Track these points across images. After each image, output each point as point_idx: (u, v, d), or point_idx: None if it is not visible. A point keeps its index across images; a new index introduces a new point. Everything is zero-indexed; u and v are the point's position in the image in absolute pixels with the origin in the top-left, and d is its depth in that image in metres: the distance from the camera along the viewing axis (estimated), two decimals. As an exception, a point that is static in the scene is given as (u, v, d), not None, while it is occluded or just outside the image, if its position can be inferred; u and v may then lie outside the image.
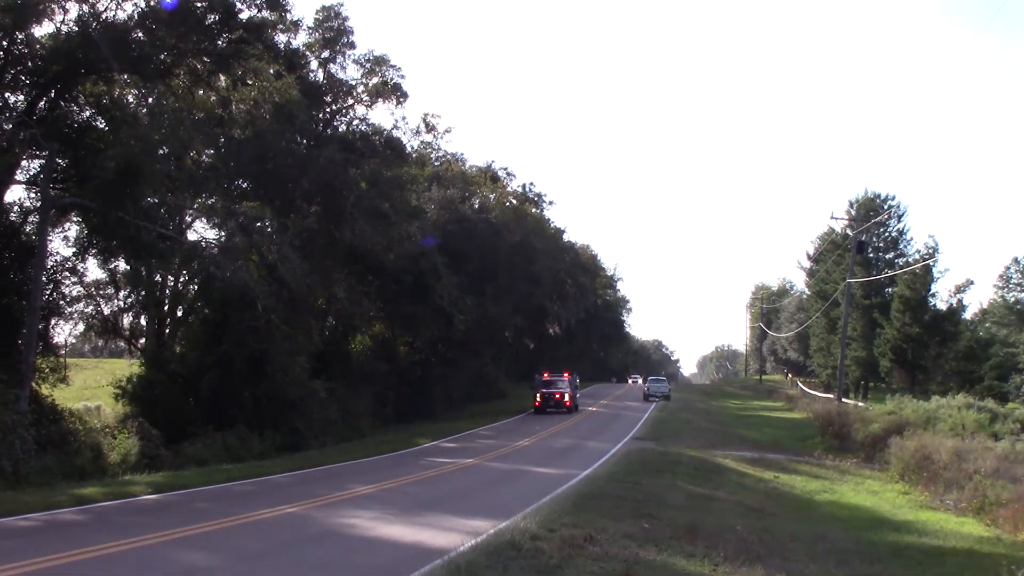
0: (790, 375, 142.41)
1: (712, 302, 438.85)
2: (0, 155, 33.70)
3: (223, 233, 46.76)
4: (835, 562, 19.54)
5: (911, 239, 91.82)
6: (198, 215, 50.17)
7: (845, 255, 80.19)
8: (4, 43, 35.91)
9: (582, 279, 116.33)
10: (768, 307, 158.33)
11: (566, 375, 77.63)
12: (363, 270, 60.14)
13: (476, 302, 73.62)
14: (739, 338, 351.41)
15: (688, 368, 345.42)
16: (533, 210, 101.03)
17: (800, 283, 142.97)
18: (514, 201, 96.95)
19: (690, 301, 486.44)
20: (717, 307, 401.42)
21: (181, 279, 52.46)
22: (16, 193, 51.56)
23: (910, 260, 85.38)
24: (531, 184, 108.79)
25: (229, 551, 18.24)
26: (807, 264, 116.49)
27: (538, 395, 74.26)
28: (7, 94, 36.79)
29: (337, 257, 55.91)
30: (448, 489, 30.95)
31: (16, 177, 37.48)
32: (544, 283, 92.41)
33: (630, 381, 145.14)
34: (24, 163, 37.78)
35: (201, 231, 52.88)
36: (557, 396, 73.58)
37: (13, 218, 38.24)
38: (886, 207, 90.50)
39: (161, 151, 40.03)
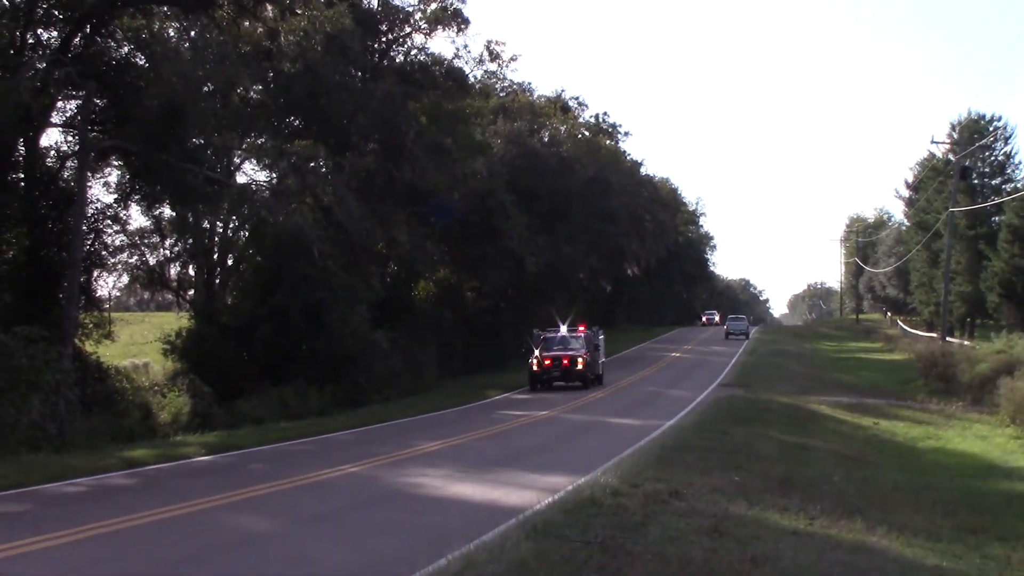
0: (889, 313, 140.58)
1: (803, 237, 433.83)
2: (35, 96, 33.60)
3: (274, 175, 46.93)
4: (941, 513, 19.06)
5: (1020, 163, 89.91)
6: (247, 156, 50.29)
7: (947, 182, 78.57)
8: (34, -25, 35.83)
9: (662, 215, 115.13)
10: (864, 241, 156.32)
11: (581, 329, 56.90)
12: (426, 211, 59.79)
13: (548, 242, 72.71)
14: (833, 275, 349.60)
15: (778, 308, 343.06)
16: (607, 142, 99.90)
17: (898, 214, 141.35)
18: (587, 133, 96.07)
19: (779, 237, 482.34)
20: (808, 242, 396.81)
21: (231, 225, 52.46)
22: (53, 137, 51.75)
23: (1019, 186, 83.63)
24: (604, 114, 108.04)
25: (288, 515, 18.22)
26: (905, 193, 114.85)
27: (536, 359, 54.15)
28: (40, 30, 36.76)
29: (397, 198, 55.79)
30: (522, 444, 31.04)
31: (52, 120, 37.52)
32: (620, 220, 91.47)
33: (704, 319, 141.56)
34: (60, 104, 37.86)
35: (251, 173, 53.00)
36: (566, 361, 53.55)
37: (50, 163, 38.31)
38: (991, 129, 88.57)
39: (206, 88, 40.04)
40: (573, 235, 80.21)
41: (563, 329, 56.17)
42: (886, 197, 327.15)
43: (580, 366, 53.02)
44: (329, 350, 46.30)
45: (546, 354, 53.66)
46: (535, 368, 53.47)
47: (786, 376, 58.65)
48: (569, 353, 53.68)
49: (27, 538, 15.43)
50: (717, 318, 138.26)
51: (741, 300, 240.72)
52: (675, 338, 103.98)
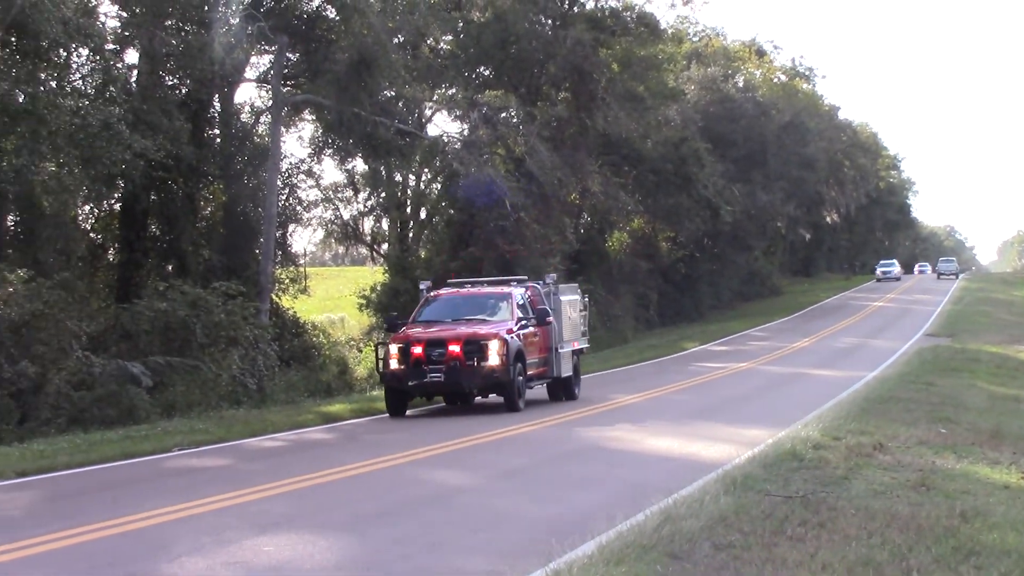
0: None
1: (1013, 180, 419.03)
2: (228, 52, 33.91)
3: (465, 126, 47.04)
4: None
5: None
6: (438, 108, 50.31)
7: None
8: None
9: (861, 160, 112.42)
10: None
11: (507, 292, 28.65)
12: (618, 160, 59.25)
13: (744, 191, 71.32)
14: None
15: (986, 256, 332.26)
16: (804, 86, 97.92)
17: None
18: (782, 77, 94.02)
19: (987, 181, 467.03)
20: (1019, 185, 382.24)
21: (423, 178, 52.66)
22: (246, 92, 52.49)
23: None
24: (800, 57, 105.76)
25: (484, 469, 18.23)
26: None
27: (393, 349, 26.19)
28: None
29: (589, 147, 55.17)
30: (720, 396, 30.49)
31: (246, 75, 37.92)
32: (819, 167, 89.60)
33: (917, 271, 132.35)
34: (253, 59, 38.22)
35: (442, 125, 53.03)
36: (454, 349, 25.67)
37: (245, 119, 38.81)
38: None
39: (396, 40, 39.97)
40: (770, 182, 78.56)
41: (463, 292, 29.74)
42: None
43: (489, 361, 25.70)
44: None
45: (415, 335, 26.41)
46: (390, 366, 25.99)
47: (995, 325, 56.45)
48: (463, 332, 26.19)
49: (228, 492, 15.61)
50: (897, 269, 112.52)
51: (946, 247, 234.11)
52: (877, 288, 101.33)
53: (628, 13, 57.61)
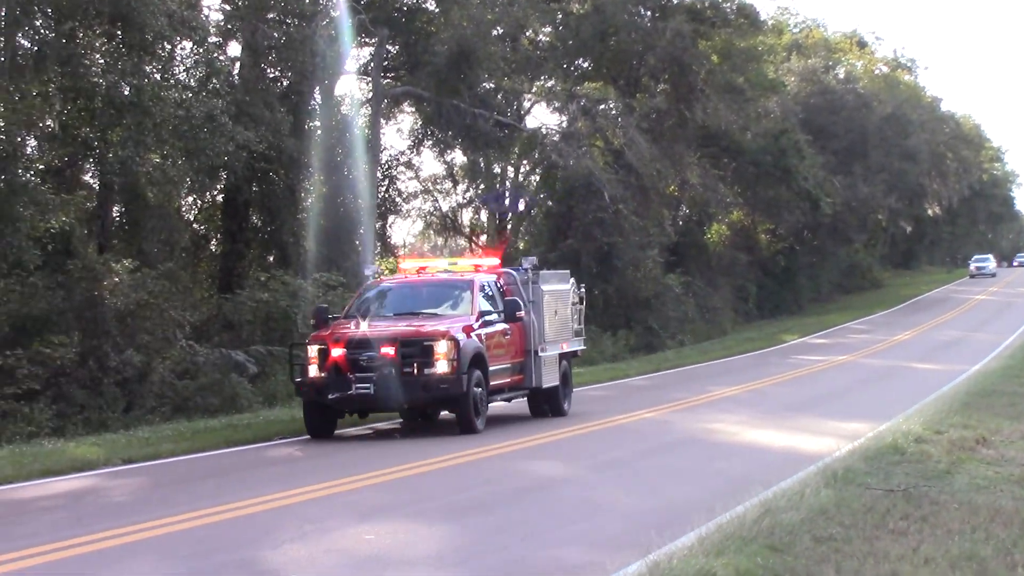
0: None
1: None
2: (329, 44, 34.07)
3: (564, 118, 46.80)
4: None
5: None
6: (537, 100, 50.11)
7: None
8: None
9: (964, 152, 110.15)
10: None
11: (468, 279, 22.56)
12: (717, 152, 58.80)
13: (844, 183, 70.21)
14: None
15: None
16: (906, 77, 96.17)
17: None
18: (884, 68, 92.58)
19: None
20: None
21: (521, 170, 52.47)
22: (347, 84, 52.05)
23: None
24: (902, 48, 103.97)
25: (582, 460, 18.14)
26: None
27: (315, 348, 20.24)
28: (333, -22, 37.24)
29: (688, 139, 54.73)
30: (820, 389, 30.19)
31: (346, 68, 37.96)
32: (920, 159, 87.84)
33: (1015, 263, 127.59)
34: (353, 52, 38.32)
35: (541, 117, 52.72)
36: (386, 351, 19.73)
37: (345, 111, 38.85)
38: None
39: (495, 32, 39.90)
40: (871, 174, 77.26)
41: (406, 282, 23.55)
42: None
43: (436, 368, 20.05)
44: (621, 295, 45.91)
45: (340, 333, 20.63)
46: (308, 374, 20.30)
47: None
48: (399, 331, 20.57)
49: (328, 481, 15.70)
50: (992, 265, 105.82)
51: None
52: (978, 280, 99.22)
53: (728, 4, 56.84)
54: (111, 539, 11.89)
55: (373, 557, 11.01)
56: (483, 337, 21.18)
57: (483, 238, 52.26)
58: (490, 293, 22.36)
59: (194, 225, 37.53)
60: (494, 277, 23.11)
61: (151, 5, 24.97)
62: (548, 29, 50.29)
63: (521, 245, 50.63)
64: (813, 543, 9.73)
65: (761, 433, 20.51)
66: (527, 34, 47.24)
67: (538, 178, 51.15)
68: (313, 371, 20.02)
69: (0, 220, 22.59)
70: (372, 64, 37.64)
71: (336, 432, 21.27)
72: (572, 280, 26.54)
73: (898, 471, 13.69)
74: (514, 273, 23.44)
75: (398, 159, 42.21)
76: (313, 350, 20.16)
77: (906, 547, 9.61)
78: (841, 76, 79.74)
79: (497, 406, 22.88)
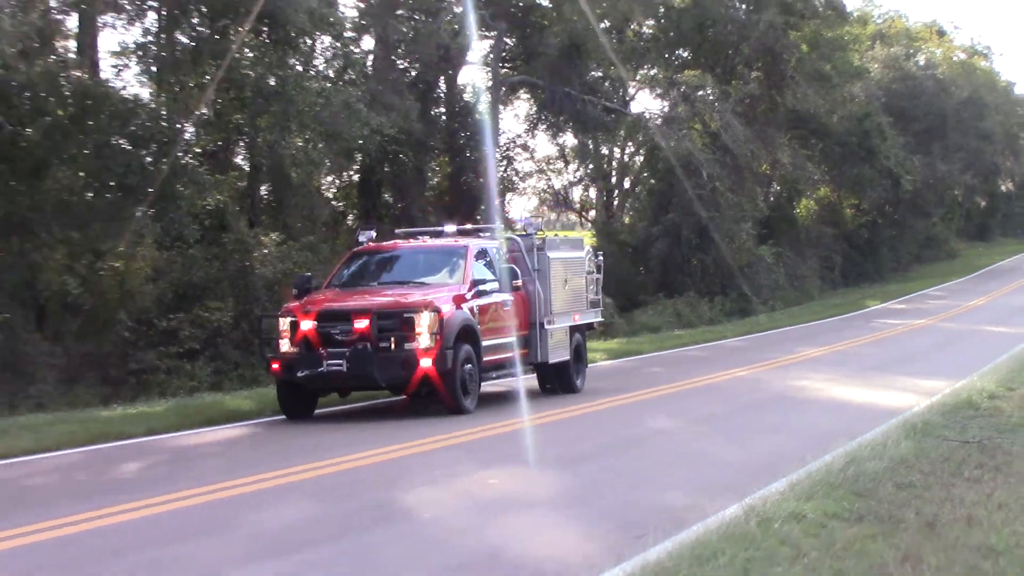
0: None
1: None
2: (453, 38, 34.13)
3: (665, 103, 46.76)
4: None
5: None
6: (641, 87, 49.72)
7: None
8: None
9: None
10: None
11: (462, 246, 19.03)
12: (806, 134, 57.66)
13: (923, 162, 68.47)
14: None
15: None
16: (982, 64, 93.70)
17: None
18: (962, 55, 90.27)
19: None
20: None
21: (627, 151, 52.10)
22: (469, 74, 51.73)
23: None
24: (978, 37, 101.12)
25: (684, 413, 18.11)
26: None
27: (286, 322, 16.75)
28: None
29: (779, 122, 53.78)
30: (899, 350, 29.64)
31: (468, 59, 37.95)
32: (995, 139, 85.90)
33: None
34: (474, 44, 38.27)
35: (644, 103, 52.30)
36: (361, 325, 16.22)
37: (467, 99, 38.85)
38: None
39: (603, 25, 39.58)
40: (948, 153, 75.45)
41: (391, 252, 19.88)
42: None
43: (417, 342, 16.36)
44: (718, 265, 45.35)
45: (314, 304, 17.10)
46: (280, 348, 16.82)
47: None
48: (375, 302, 17.17)
49: (456, 431, 15.67)
50: None
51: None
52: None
53: (817, -2, 56.03)
54: (264, 482, 12.01)
55: (496, 499, 11.10)
56: (476, 309, 17.57)
57: (591, 213, 51.93)
58: (488, 260, 18.73)
59: (333, 202, 37.70)
60: (496, 244, 19.47)
61: (294, 4, 25.08)
62: (651, 22, 49.81)
63: (626, 220, 50.35)
64: (894, 489, 9.66)
65: (846, 390, 20.23)
66: (632, 27, 46.82)
67: (642, 158, 50.69)
68: (285, 346, 16.53)
69: (164, 199, 22.77)
70: (491, 55, 37.56)
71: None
72: (588, 248, 23.27)
73: (973, 424, 13.51)
74: (519, 240, 19.84)
75: (515, 141, 42.22)
76: (285, 323, 16.57)
77: (980, 494, 9.48)
78: (921, 63, 77.94)
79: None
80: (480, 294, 17.79)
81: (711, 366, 25.76)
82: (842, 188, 65.03)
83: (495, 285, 18.28)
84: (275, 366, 16.56)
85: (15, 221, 21.64)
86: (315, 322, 16.30)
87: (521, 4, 38.85)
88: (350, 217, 37.67)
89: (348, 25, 32.30)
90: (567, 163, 49.46)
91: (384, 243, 19.93)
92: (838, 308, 47.69)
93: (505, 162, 41.14)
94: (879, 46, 73.19)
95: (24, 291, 21.83)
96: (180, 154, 23.50)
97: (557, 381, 20.19)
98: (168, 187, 22.70)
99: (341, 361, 16.01)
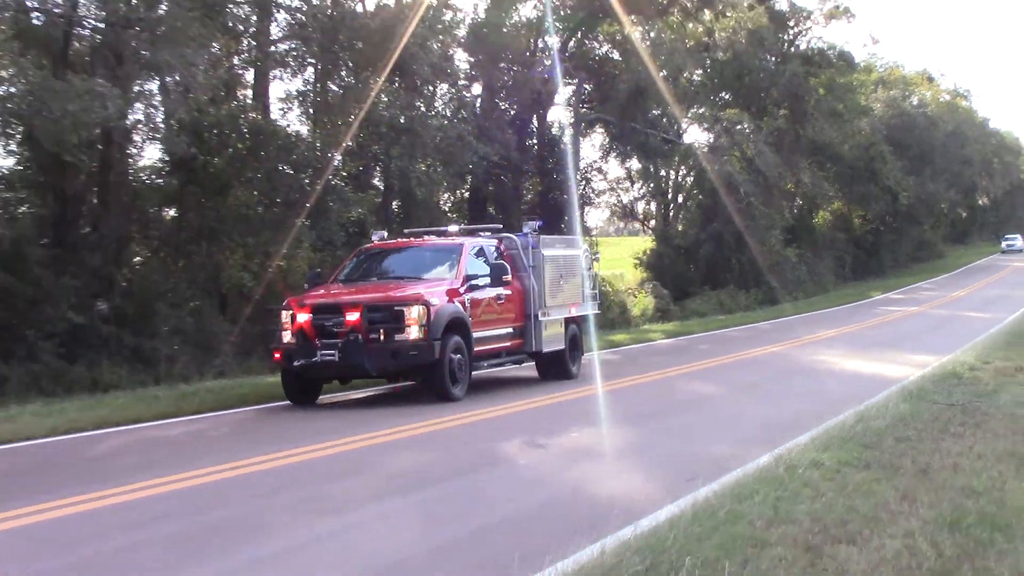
0: None
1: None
2: (543, 84, 33.88)
3: (711, 135, 46.30)
4: None
5: None
6: (691, 122, 49.05)
7: None
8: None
9: (1007, 158, 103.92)
10: None
11: (458, 243, 16.49)
12: (823, 159, 56.68)
13: (916, 181, 66.90)
14: None
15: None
16: (963, 103, 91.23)
17: None
18: (947, 97, 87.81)
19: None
20: None
21: (680, 173, 51.52)
22: (556, 113, 51.30)
23: None
24: (960, 82, 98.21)
25: (726, 382, 17.69)
26: None
27: (287, 314, 14.56)
28: (547, 38, 36.86)
29: (801, 150, 52.88)
30: (898, 331, 28.93)
31: (555, 100, 37.73)
32: (973, 163, 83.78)
33: (1004, 244, 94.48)
34: (560, 89, 37.98)
35: (694, 135, 51.65)
36: (352, 317, 14.00)
37: (554, 132, 38.59)
38: None
39: (662, 74, 39.09)
40: (936, 175, 73.41)
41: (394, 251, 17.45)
42: None
43: (406, 333, 14.05)
44: (752, 263, 44.53)
45: (311, 298, 14.92)
46: (283, 339, 14.54)
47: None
48: (366, 296, 14.55)
49: (540, 396, 15.39)
50: (1020, 242, 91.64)
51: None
52: (1009, 254, 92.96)
53: (831, 51, 54.68)
54: (383, 437, 11.65)
55: (576, 449, 10.98)
56: (469, 302, 15.24)
57: (652, 222, 51.38)
58: (486, 258, 16.27)
59: (448, 215, 37.37)
60: (492, 242, 16.93)
61: (420, 59, 25.13)
62: (700, 71, 49.16)
63: (680, 227, 49.83)
64: (895, 442, 9.58)
65: (855, 363, 19.83)
66: (684, 75, 46.21)
67: (692, 179, 50.27)
68: (287, 336, 14.44)
69: (318, 212, 22.68)
70: (573, 98, 37.32)
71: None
72: (585, 246, 20.32)
73: (957, 391, 13.38)
74: (515, 238, 17.21)
75: (592, 166, 41.91)
76: (285, 315, 14.54)
77: (963, 446, 9.42)
78: (915, 103, 75.94)
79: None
80: (473, 288, 15.50)
81: (748, 344, 25.32)
82: (851, 202, 63.85)
83: (489, 280, 15.84)
84: (277, 355, 14.54)
85: (205, 230, 21.86)
86: (310, 315, 14.18)
87: (597, 57, 38.83)
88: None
89: (461, 75, 32.50)
90: (633, 183, 48.90)
91: (389, 241, 17.60)
92: (848, 298, 46.69)
93: (584, 182, 40.85)
94: (881, 89, 71.67)
95: (211, 284, 21.95)
96: (330, 177, 23.44)
97: (552, 369, 17.66)
98: (321, 203, 22.62)
99: (334, 351, 13.90)
